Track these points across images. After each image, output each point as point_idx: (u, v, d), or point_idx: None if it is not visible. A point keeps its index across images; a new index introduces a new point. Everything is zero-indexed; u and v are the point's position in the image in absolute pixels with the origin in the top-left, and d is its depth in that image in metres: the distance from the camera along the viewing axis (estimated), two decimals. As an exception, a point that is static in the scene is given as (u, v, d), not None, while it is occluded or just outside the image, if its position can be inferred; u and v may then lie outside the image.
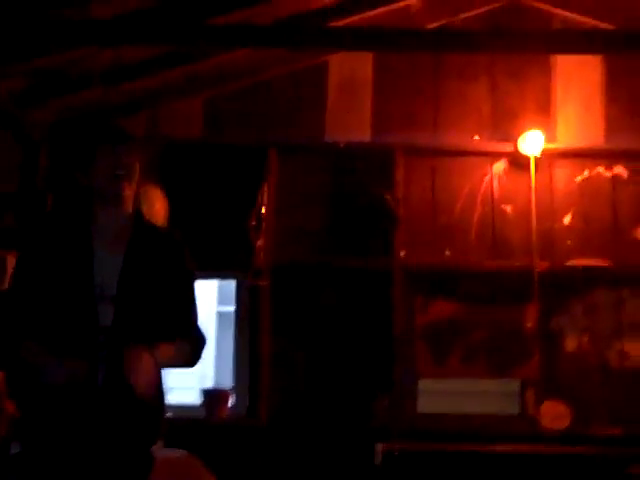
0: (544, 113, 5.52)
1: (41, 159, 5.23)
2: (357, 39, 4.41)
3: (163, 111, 5.54)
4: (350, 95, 5.61)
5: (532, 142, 5.32)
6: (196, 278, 2.86)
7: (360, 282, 5.29)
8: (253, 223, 5.24)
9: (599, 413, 5.07)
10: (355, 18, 5.08)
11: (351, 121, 5.56)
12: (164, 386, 2.81)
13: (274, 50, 5.20)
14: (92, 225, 2.72)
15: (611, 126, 5.47)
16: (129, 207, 2.73)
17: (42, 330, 2.65)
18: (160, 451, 2.78)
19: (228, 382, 5.47)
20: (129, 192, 2.71)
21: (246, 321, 5.31)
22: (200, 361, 2.88)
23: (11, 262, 4.30)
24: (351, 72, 5.64)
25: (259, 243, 5.21)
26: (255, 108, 5.57)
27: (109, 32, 4.14)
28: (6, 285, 4.17)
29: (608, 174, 5.43)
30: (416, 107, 5.60)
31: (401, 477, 4.61)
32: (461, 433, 4.91)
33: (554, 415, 4.93)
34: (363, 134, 5.53)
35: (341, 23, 5.00)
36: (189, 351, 2.80)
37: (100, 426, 2.59)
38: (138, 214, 2.80)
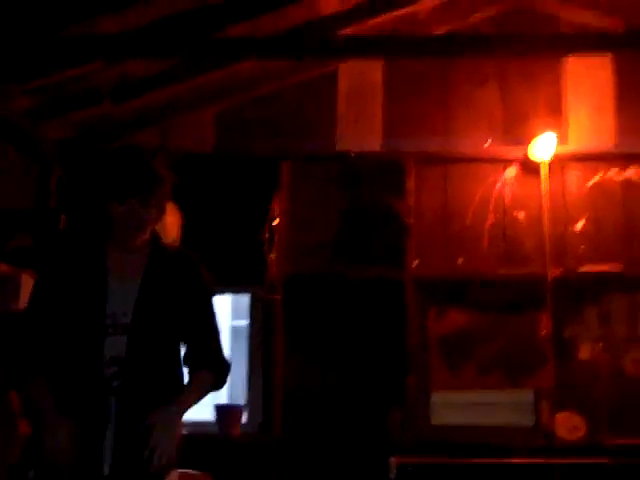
0: (555, 116, 5.49)
1: (54, 177, 5.25)
2: (365, 47, 4.42)
3: (174, 125, 5.55)
4: (360, 103, 5.60)
5: (544, 145, 5.29)
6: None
7: (373, 293, 5.27)
8: (266, 236, 5.24)
9: (614, 423, 5.01)
10: (363, 26, 5.06)
11: (362, 129, 5.55)
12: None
13: (282, 60, 5.21)
14: (108, 249, 2.71)
15: (623, 129, 5.43)
16: (149, 232, 2.72)
17: (52, 358, 2.65)
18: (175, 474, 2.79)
19: (241, 397, 5.47)
20: (155, 216, 2.70)
21: (259, 335, 5.31)
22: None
23: (25, 281, 4.32)
24: (361, 80, 5.63)
25: (272, 256, 5.21)
26: (266, 119, 5.57)
27: (116, 47, 4.18)
28: (21, 304, 4.21)
29: (620, 177, 5.38)
30: (426, 113, 5.58)
31: (416, 491, 4.60)
32: (475, 445, 4.87)
33: (569, 426, 4.89)
34: (374, 142, 5.52)
35: (348, 31, 4.98)
36: (213, 381, 2.79)
37: (117, 448, 2.58)
38: (155, 238, 2.78)
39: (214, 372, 2.79)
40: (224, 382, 2.84)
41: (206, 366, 2.78)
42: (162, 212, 2.71)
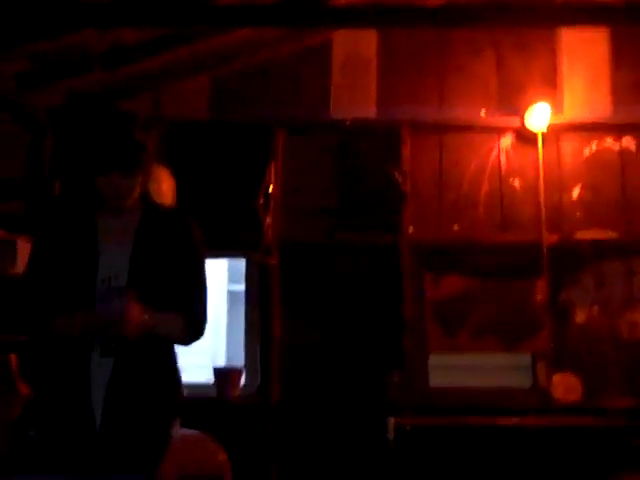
0: (551, 86, 5.50)
1: (47, 143, 5.21)
2: (359, 16, 4.39)
3: (167, 92, 5.51)
4: (355, 72, 5.59)
5: (539, 115, 5.30)
6: (206, 256, 2.84)
7: (369, 259, 5.28)
8: (261, 202, 5.22)
9: (611, 385, 5.06)
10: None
11: (356, 98, 5.54)
12: (179, 366, 2.81)
13: (277, 29, 5.18)
14: (99, 214, 2.72)
15: (618, 98, 5.44)
16: (137, 194, 2.73)
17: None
18: (177, 430, 2.78)
19: (240, 360, 5.47)
20: (140, 180, 2.71)
21: (256, 300, 5.30)
22: (196, 341, 2.84)
23: (21, 246, 4.30)
24: (355, 49, 5.61)
25: (267, 222, 5.20)
26: (260, 87, 5.55)
27: (108, 15, 4.13)
28: (18, 269, 4.20)
29: (616, 146, 5.41)
30: (421, 82, 5.57)
31: (414, 451, 4.61)
32: (473, 407, 4.90)
33: (566, 388, 4.93)
34: (369, 111, 5.51)
35: (343, 1, 4.96)
36: (182, 325, 2.76)
37: (115, 406, 2.60)
38: (145, 198, 2.79)
39: (186, 318, 2.76)
40: (196, 335, 2.80)
41: (176, 308, 2.73)
42: (147, 175, 2.73)
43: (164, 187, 4.96)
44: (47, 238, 2.74)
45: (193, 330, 2.79)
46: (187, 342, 2.83)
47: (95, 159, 2.64)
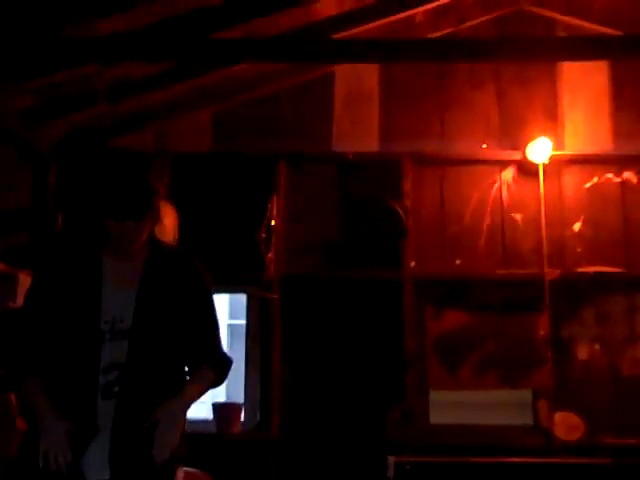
0: (552, 120, 5.51)
1: (50, 176, 5.24)
2: (361, 51, 4.40)
3: (171, 125, 5.56)
4: (357, 105, 5.62)
5: (540, 149, 5.31)
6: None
7: (371, 293, 5.27)
8: (263, 235, 5.23)
9: (612, 423, 5.00)
10: (359, 29, 5.07)
11: (358, 131, 5.56)
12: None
13: (279, 63, 5.21)
14: (104, 255, 2.70)
15: (619, 132, 5.46)
16: (146, 237, 2.70)
17: (48, 361, 2.65)
18: (181, 472, 2.79)
19: (239, 396, 5.45)
20: (150, 226, 2.70)
21: (257, 334, 5.30)
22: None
23: (23, 280, 4.30)
24: (357, 82, 5.64)
25: (269, 256, 5.20)
26: (263, 120, 5.57)
27: (112, 49, 4.15)
28: (18, 303, 4.20)
29: (617, 180, 5.40)
30: (423, 115, 5.59)
31: (414, 490, 4.59)
32: (474, 445, 4.87)
33: (567, 427, 4.88)
34: (371, 144, 5.54)
35: (345, 34, 4.99)
36: (213, 376, 2.79)
37: (121, 451, 2.58)
38: (153, 240, 2.77)
39: (214, 368, 2.79)
40: (224, 378, 2.84)
41: (207, 362, 2.78)
42: (157, 220, 2.72)
43: (167, 223, 4.95)
44: (49, 274, 2.72)
45: (224, 375, 2.82)
46: (217, 387, 2.88)
47: (108, 204, 2.61)
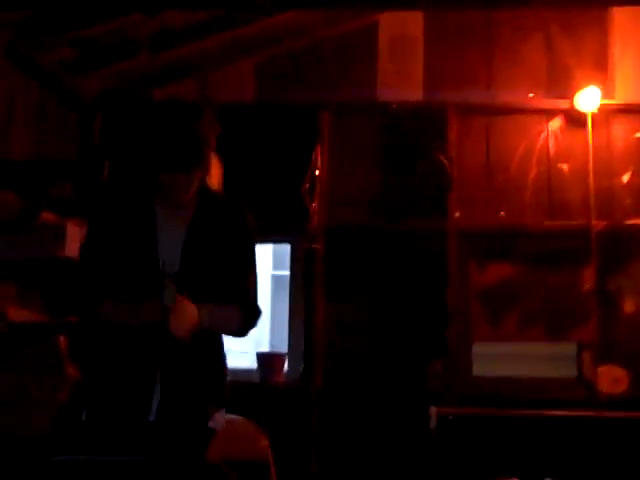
0: (601, 69, 5.39)
1: (96, 126, 5.26)
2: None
3: (213, 76, 5.53)
4: (401, 54, 5.54)
5: (589, 98, 5.20)
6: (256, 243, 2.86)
7: (414, 244, 5.25)
8: (307, 186, 5.20)
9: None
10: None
11: (403, 80, 5.49)
12: (224, 353, 2.85)
13: (321, 11, 5.15)
14: (155, 205, 2.73)
15: (671, 80, 5.32)
16: (195, 187, 2.71)
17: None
18: (222, 416, 2.83)
19: (283, 346, 5.50)
20: (200, 176, 2.71)
21: (301, 285, 5.31)
22: (251, 331, 2.88)
23: (70, 230, 4.34)
24: (402, 31, 5.56)
25: (313, 207, 5.18)
26: (307, 70, 5.54)
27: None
28: (67, 252, 4.24)
29: (668, 130, 5.29)
30: (469, 64, 5.51)
31: (456, 441, 4.59)
32: (516, 397, 4.85)
33: (611, 379, 4.86)
34: (415, 93, 5.47)
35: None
36: (239, 318, 2.81)
37: (170, 395, 2.64)
38: (203, 189, 2.78)
39: (243, 310, 2.80)
40: (251, 326, 2.85)
41: (237, 303, 2.79)
42: (207, 171, 2.73)
43: (212, 172, 4.97)
44: (103, 223, 2.76)
45: (250, 320, 2.83)
46: (243, 333, 2.87)
47: (159, 156, 2.61)
